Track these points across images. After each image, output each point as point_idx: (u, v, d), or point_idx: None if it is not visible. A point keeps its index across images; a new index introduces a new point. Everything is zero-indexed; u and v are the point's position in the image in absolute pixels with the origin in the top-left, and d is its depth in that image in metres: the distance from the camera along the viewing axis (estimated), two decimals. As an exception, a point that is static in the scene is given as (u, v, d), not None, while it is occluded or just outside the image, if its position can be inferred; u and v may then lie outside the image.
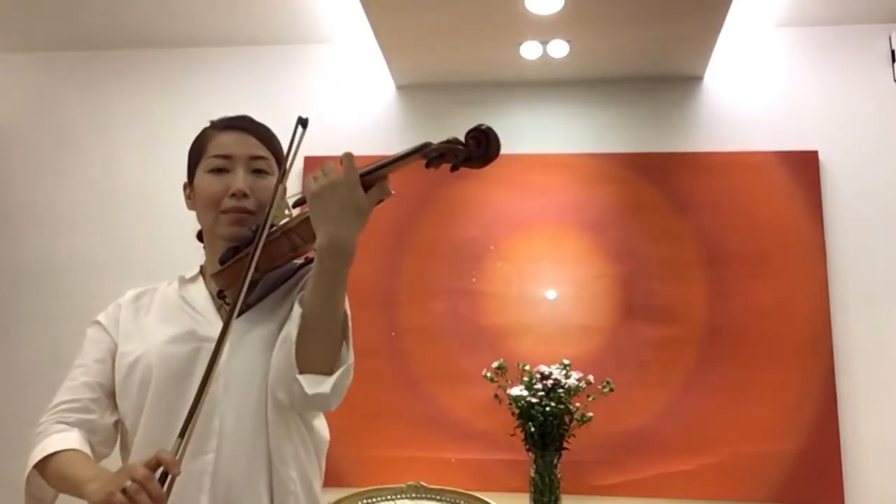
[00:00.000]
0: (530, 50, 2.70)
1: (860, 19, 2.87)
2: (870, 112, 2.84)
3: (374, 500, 2.29)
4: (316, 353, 1.11)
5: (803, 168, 2.78)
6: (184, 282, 1.35)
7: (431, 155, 1.11)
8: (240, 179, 1.26)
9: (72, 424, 1.23)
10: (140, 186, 3.08)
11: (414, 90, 3.03)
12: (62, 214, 3.10)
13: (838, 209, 2.77)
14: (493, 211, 2.86)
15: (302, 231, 1.19)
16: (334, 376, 1.11)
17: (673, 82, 2.93)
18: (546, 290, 2.77)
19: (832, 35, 2.91)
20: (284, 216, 1.22)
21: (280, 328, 1.20)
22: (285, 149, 1.23)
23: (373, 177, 1.13)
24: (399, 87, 3.03)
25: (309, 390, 1.09)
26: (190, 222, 3.30)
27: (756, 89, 2.91)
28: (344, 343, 1.14)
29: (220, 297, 1.27)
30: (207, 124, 1.36)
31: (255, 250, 1.14)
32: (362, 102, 3.01)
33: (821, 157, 2.80)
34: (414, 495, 2.30)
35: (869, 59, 2.88)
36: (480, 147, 1.09)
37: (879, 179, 2.79)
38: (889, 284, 2.72)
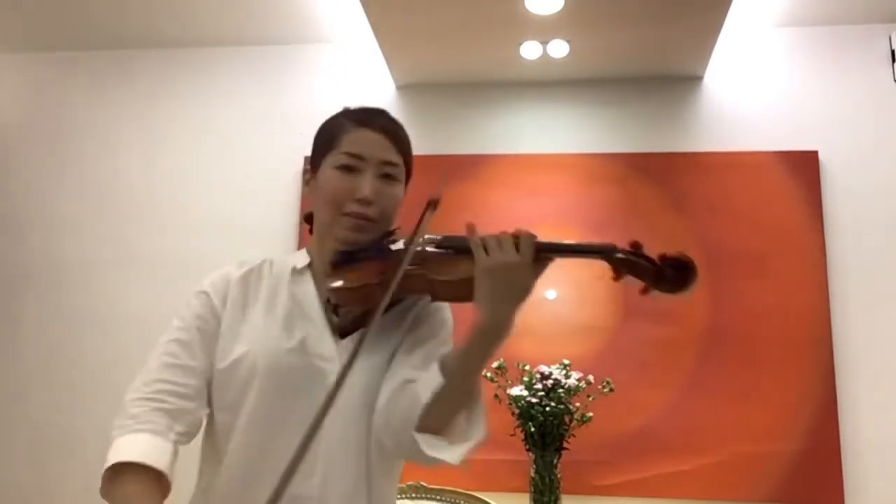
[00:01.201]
0: (530, 50, 2.70)
1: (860, 19, 2.87)
2: (870, 112, 2.84)
3: (374, 499, 2.28)
4: (438, 417, 1.08)
5: (803, 168, 2.78)
6: (295, 273, 1.25)
7: (621, 269, 1.06)
8: (367, 185, 1.20)
9: (170, 413, 1.13)
10: (141, 186, 3.08)
11: (414, 90, 3.03)
12: (63, 215, 3.10)
13: (838, 209, 2.77)
14: (493, 211, 2.86)
15: (442, 289, 1.14)
16: (462, 449, 1.10)
17: (673, 82, 2.93)
18: (546, 290, 2.77)
19: (832, 35, 2.91)
20: (417, 244, 1.17)
21: (389, 357, 1.18)
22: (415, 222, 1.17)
23: (543, 258, 1.10)
24: (399, 87, 3.03)
25: (429, 452, 1.06)
26: (190, 223, 3.30)
27: (756, 89, 2.91)
28: (466, 413, 1.11)
29: (333, 311, 1.21)
30: (341, 111, 1.30)
31: (390, 286, 1.06)
32: (362, 102, 3.00)
33: (821, 157, 2.80)
34: (414, 495, 2.30)
35: (869, 59, 2.88)
36: (678, 279, 1.06)
37: (879, 179, 2.79)
38: (889, 284, 2.72)
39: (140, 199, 3.07)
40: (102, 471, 1.09)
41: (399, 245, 1.24)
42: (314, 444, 1.07)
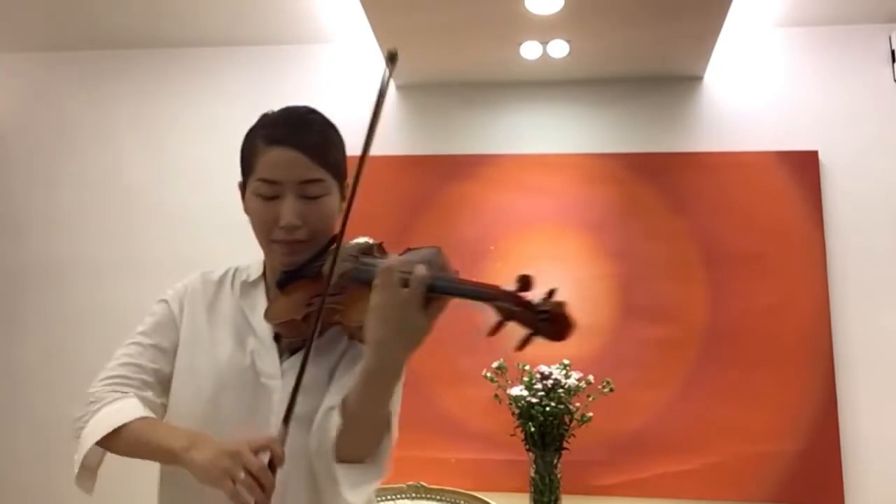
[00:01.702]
0: (530, 50, 2.70)
1: (860, 19, 2.87)
2: (870, 112, 2.84)
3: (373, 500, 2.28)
4: (353, 445, 1.06)
5: (803, 168, 2.78)
6: (246, 287, 1.26)
7: (505, 315, 0.97)
8: (289, 211, 1.15)
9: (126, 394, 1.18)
10: (141, 186, 3.08)
11: (414, 90, 3.03)
12: (63, 215, 3.10)
13: (838, 209, 2.77)
14: (493, 211, 2.86)
15: (351, 333, 1.12)
16: (367, 490, 1.07)
17: (673, 82, 2.93)
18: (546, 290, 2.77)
19: (832, 35, 2.91)
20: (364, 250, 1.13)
21: (329, 371, 1.17)
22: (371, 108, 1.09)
23: (439, 299, 0.99)
24: (399, 87, 3.03)
25: (344, 491, 1.05)
26: (190, 223, 3.30)
27: (756, 89, 2.91)
28: (382, 448, 1.09)
29: (275, 339, 1.22)
30: (258, 119, 1.26)
31: (314, 328, 1.06)
32: (362, 102, 2.99)
33: (821, 157, 2.80)
34: (414, 495, 2.30)
35: (869, 59, 2.88)
36: (554, 327, 1.00)
37: (879, 179, 2.79)
38: (889, 284, 2.72)
39: (140, 199, 3.07)
40: (80, 455, 1.16)
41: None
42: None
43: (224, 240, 2.90)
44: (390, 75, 1.13)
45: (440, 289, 0.98)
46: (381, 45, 2.74)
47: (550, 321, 0.98)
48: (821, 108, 2.87)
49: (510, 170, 2.89)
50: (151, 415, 1.17)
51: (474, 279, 1.00)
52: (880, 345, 2.68)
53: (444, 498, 2.30)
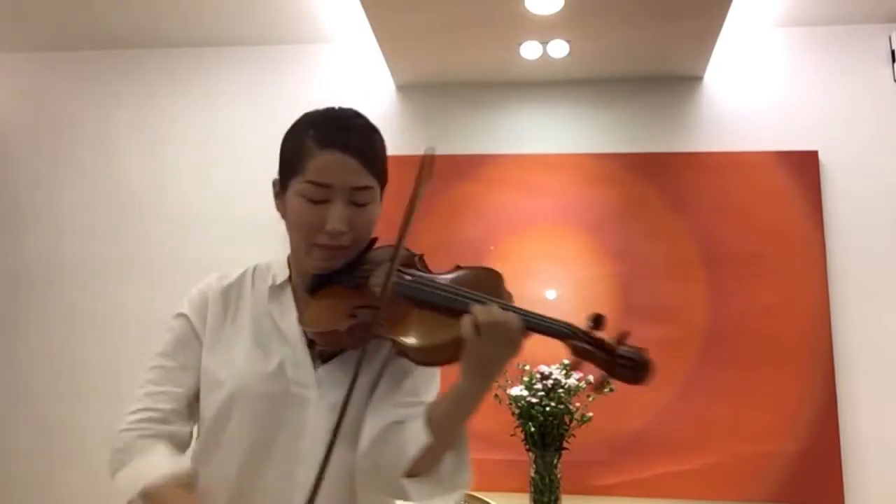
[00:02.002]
0: (530, 50, 2.70)
1: (860, 19, 2.87)
2: (870, 112, 2.84)
3: (374, 500, 2.28)
4: (425, 463, 1.06)
5: (803, 168, 2.78)
6: (274, 290, 1.22)
7: (583, 356, 1.04)
8: (337, 217, 1.12)
9: (154, 438, 1.13)
10: (141, 186, 3.08)
11: (414, 90, 3.03)
12: (62, 215, 3.10)
13: (838, 209, 2.77)
14: (493, 211, 2.86)
15: (416, 355, 1.07)
16: (452, 497, 1.08)
17: (673, 82, 2.93)
18: (546, 290, 2.77)
19: (832, 35, 2.91)
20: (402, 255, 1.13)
21: (371, 385, 1.15)
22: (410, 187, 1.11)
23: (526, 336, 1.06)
24: (399, 87, 3.03)
25: (417, 500, 1.06)
26: (190, 223, 3.30)
27: (756, 89, 2.91)
28: (464, 461, 1.10)
29: (309, 345, 1.19)
30: (302, 118, 1.21)
31: (362, 354, 1.05)
32: (362, 102, 2.98)
33: (821, 157, 2.80)
34: (414, 495, 2.30)
35: (869, 59, 2.88)
36: (633, 373, 1.05)
37: (879, 179, 2.79)
38: (889, 284, 2.72)
39: (140, 199, 3.07)
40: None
41: (373, 263, 1.17)
42: (293, 474, 1.10)
43: (225, 239, 2.92)
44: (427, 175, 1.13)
45: (530, 329, 1.06)
46: (381, 45, 2.74)
47: (631, 368, 1.04)
48: (821, 108, 2.87)
49: (510, 170, 2.89)
50: (179, 464, 1.10)
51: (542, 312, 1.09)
52: (880, 345, 2.68)
53: (444, 498, 2.30)
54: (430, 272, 1.18)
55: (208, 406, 1.17)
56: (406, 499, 1.05)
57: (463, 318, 1.01)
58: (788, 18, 2.88)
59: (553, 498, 2.37)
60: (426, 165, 1.12)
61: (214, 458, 1.16)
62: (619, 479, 2.62)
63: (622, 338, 1.04)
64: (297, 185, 1.14)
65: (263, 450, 1.13)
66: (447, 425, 1.06)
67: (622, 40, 2.66)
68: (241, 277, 1.25)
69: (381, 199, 1.21)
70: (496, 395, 2.45)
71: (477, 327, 1.00)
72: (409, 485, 1.05)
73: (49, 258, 3.07)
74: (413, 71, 2.93)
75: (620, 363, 1.02)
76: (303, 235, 1.15)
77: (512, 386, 2.42)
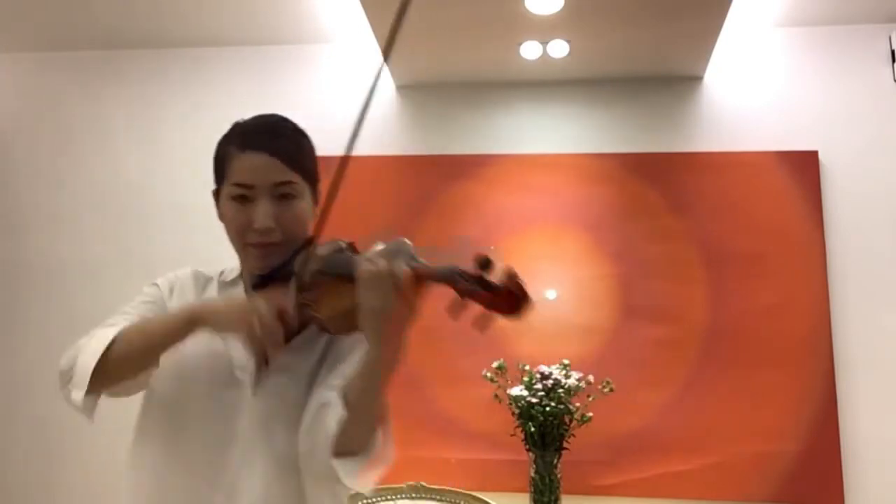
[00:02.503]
0: (530, 50, 2.70)
1: (860, 19, 2.87)
2: (870, 112, 2.84)
3: (373, 500, 2.29)
4: (350, 437, 1.07)
5: (803, 168, 2.78)
6: (224, 286, 1.29)
7: (463, 293, 1.02)
8: (262, 214, 1.17)
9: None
10: (140, 186, 3.08)
11: (414, 90, 3.03)
12: (62, 215, 3.10)
13: (838, 209, 2.77)
14: (494, 211, 2.86)
15: (335, 326, 1.12)
16: (369, 470, 1.10)
17: (673, 82, 2.93)
18: (546, 290, 2.77)
19: (832, 35, 2.91)
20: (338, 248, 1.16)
21: (312, 369, 1.19)
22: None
23: (420, 286, 1.06)
24: (399, 87, 3.03)
25: (345, 480, 1.07)
26: (188, 223, 3.31)
27: (756, 89, 2.91)
28: (381, 432, 1.10)
29: None
30: (232, 125, 1.27)
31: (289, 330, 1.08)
32: (362, 102, 3.01)
33: (821, 157, 2.80)
34: (414, 495, 2.30)
35: (869, 59, 2.88)
36: (511, 304, 1.02)
37: (879, 179, 2.79)
38: (889, 284, 2.72)
39: (140, 199, 3.07)
40: (77, 390, 1.16)
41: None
42: (227, 456, 1.14)
43: (224, 240, 2.91)
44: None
45: (417, 276, 1.04)
46: (381, 45, 2.74)
47: (506, 298, 1.01)
48: (821, 108, 2.87)
49: (510, 170, 2.89)
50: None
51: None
52: (880, 345, 2.68)
53: (444, 498, 2.30)
54: None
55: (161, 377, 1.21)
56: (337, 480, 1.07)
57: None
58: (788, 18, 2.88)
59: (553, 498, 2.38)
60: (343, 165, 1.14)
61: (153, 428, 1.20)
62: (619, 479, 2.62)
63: (510, 274, 1.02)
64: (225, 190, 1.21)
65: (200, 424, 1.17)
66: (358, 397, 1.07)
67: (622, 40, 2.66)
68: (211, 275, 1.33)
69: (313, 199, 1.25)
70: (496, 395, 2.45)
71: (361, 279, 1.03)
72: (337, 464, 1.07)
73: (49, 258, 3.07)
74: (413, 71, 2.93)
75: (497, 295, 1.01)
76: (236, 237, 1.21)
77: (512, 386, 2.42)
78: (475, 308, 1.00)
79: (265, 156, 1.19)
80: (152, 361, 1.16)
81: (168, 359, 1.18)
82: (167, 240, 3.00)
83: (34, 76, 3.24)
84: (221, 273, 1.33)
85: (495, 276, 1.01)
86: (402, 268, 1.02)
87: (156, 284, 1.32)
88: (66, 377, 1.18)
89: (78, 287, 3.02)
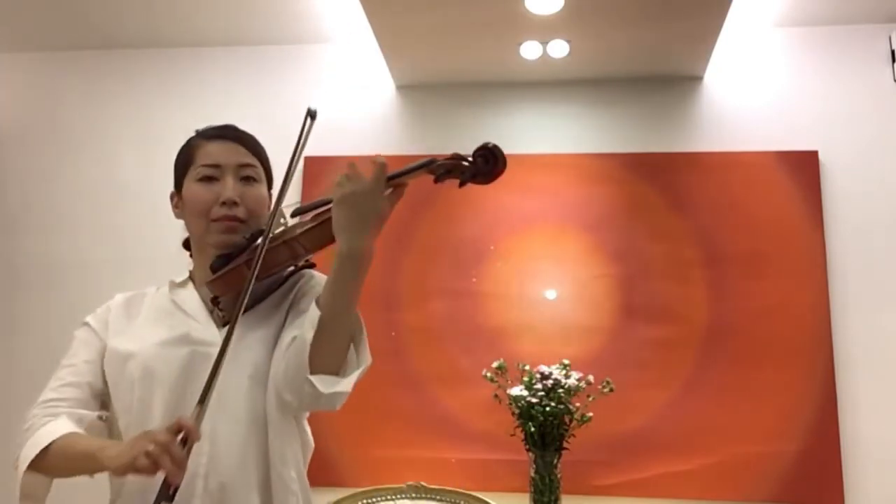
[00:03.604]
0: (530, 50, 2.70)
1: (860, 19, 2.87)
2: (870, 112, 2.84)
3: (374, 500, 2.29)
4: (328, 354, 1.12)
5: (803, 168, 2.78)
6: (174, 286, 1.35)
7: (439, 171, 1.16)
8: (229, 188, 1.27)
9: (64, 415, 1.23)
10: (139, 186, 3.08)
11: (414, 90, 3.03)
12: (61, 214, 3.10)
13: (838, 209, 2.77)
14: (493, 211, 2.86)
15: (305, 241, 1.20)
16: (353, 376, 1.14)
17: (673, 82, 2.93)
18: (546, 290, 2.77)
19: (832, 35, 2.91)
20: (280, 224, 1.23)
21: (276, 333, 1.22)
22: (294, 141, 1.23)
23: (397, 185, 1.17)
24: (399, 87, 3.03)
25: (324, 389, 1.10)
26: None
27: (756, 89, 2.91)
28: (353, 345, 1.16)
29: (213, 303, 1.28)
30: (193, 134, 1.36)
31: (257, 258, 1.15)
32: (362, 102, 3.01)
33: (821, 157, 2.80)
34: (414, 495, 2.30)
35: (869, 59, 2.88)
36: (488, 164, 1.16)
37: (879, 179, 2.79)
38: (889, 284, 2.72)
39: (140, 199, 3.06)
40: (19, 480, 1.19)
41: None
42: (204, 434, 1.13)
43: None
44: (307, 135, 1.25)
45: (395, 174, 1.15)
46: (381, 45, 2.74)
47: (484, 157, 1.18)
48: (821, 108, 2.86)
49: (510, 170, 2.87)
50: (79, 430, 1.20)
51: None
52: (880, 345, 2.68)
53: (444, 498, 2.30)
54: None
55: (120, 384, 1.24)
56: (317, 396, 1.10)
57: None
58: (788, 18, 2.88)
59: (553, 498, 2.38)
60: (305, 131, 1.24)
61: (140, 426, 1.20)
62: (619, 479, 2.62)
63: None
64: (191, 174, 1.30)
65: (176, 409, 1.18)
66: (334, 299, 1.12)
67: (622, 40, 2.66)
68: (142, 292, 1.38)
69: (267, 189, 1.35)
70: (496, 395, 2.45)
71: (338, 182, 1.12)
72: (316, 379, 1.10)
73: (48, 258, 3.07)
74: (413, 71, 2.93)
75: (475, 159, 1.18)
76: (201, 213, 1.28)
77: (512, 386, 2.42)
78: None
79: (229, 142, 1.31)
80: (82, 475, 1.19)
81: (132, 361, 1.23)
82: (167, 239, 2.99)
83: (33, 76, 3.24)
84: (157, 288, 1.38)
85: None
86: (385, 168, 1.13)
87: (87, 324, 1.35)
88: (14, 465, 1.22)
89: (76, 287, 3.01)
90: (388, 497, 2.29)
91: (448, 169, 1.16)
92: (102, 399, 1.28)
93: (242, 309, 1.11)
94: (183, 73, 3.15)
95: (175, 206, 1.35)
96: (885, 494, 2.57)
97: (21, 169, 3.17)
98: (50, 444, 1.17)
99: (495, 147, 1.16)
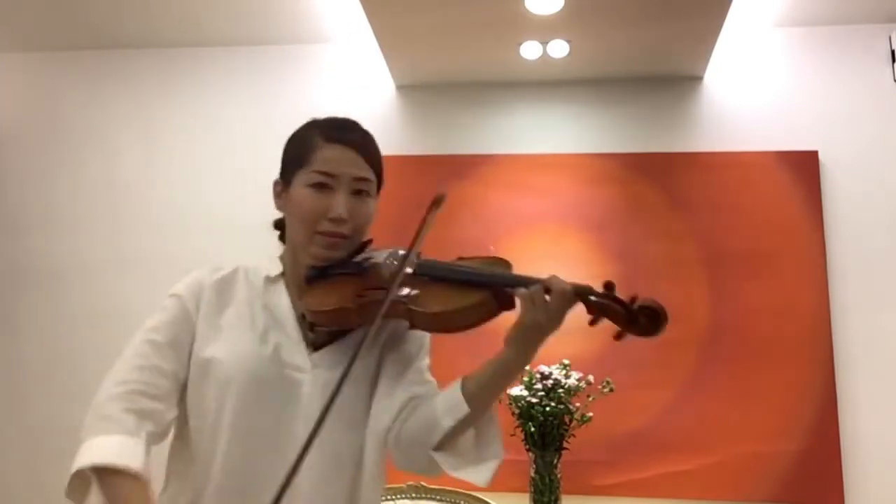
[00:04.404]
0: (530, 50, 2.70)
1: (860, 19, 2.87)
2: (870, 112, 2.84)
3: (374, 500, 2.28)
4: (453, 437, 1.14)
5: (803, 168, 2.78)
6: (268, 281, 1.26)
7: (596, 312, 1.15)
8: (341, 203, 1.20)
9: (139, 414, 1.12)
10: (140, 186, 3.08)
11: (414, 90, 3.03)
12: (62, 214, 3.10)
13: (838, 209, 2.77)
14: (494, 211, 2.86)
15: (422, 321, 1.15)
16: (490, 467, 1.19)
17: (673, 82, 2.93)
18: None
19: (832, 35, 2.91)
20: (406, 266, 1.18)
21: (370, 374, 1.21)
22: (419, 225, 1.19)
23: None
24: (399, 87, 3.03)
25: (454, 473, 1.14)
26: (189, 223, 3.30)
27: (756, 89, 2.91)
28: (496, 433, 1.18)
29: (310, 329, 1.22)
30: (307, 123, 1.28)
31: (377, 316, 1.08)
32: (362, 102, 3.01)
33: (821, 157, 2.80)
34: (414, 495, 2.30)
35: (869, 59, 2.88)
36: (651, 325, 1.10)
37: (879, 179, 2.79)
38: (889, 284, 2.72)
39: (139, 200, 3.07)
40: (71, 470, 1.13)
41: (373, 256, 1.24)
42: (286, 457, 1.08)
43: (224, 240, 2.91)
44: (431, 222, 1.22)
45: (582, 294, 1.16)
46: (381, 45, 2.74)
47: (649, 317, 1.10)
48: (821, 108, 2.86)
49: (510, 170, 2.89)
50: (145, 467, 1.10)
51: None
52: (880, 345, 2.68)
53: (444, 498, 2.30)
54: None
55: (203, 391, 1.17)
56: (437, 472, 1.12)
57: (518, 289, 1.13)
58: (788, 18, 2.88)
59: (553, 498, 2.37)
60: (436, 203, 1.22)
61: (208, 439, 1.16)
62: (619, 479, 2.62)
63: (633, 296, 1.13)
64: (303, 177, 1.22)
65: (259, 433, 1.15)
66: (484, 395, 1.13)
67: (622, 40, 2.66)
68: (234, 272, 1.27)
69: (376, 199, 1.28)
70: (496, 395, 2.45)
71: (534, 296, 1.12)
72: (441, 458, 1.12)
73: (48, 258, 3.07)
74: (413, 71, 2.93)
75: (641, 313, 1.11)
76: (307, 223, 1.21)
77: (512, 386, 2.42)
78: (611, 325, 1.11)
79: (350, 150, 1.23)
80: None
81: (211, 377, 1.16)
82: (167, 239, 3.00)
83: (33, 76, 3.24)
84: (245, 269, 1.28)
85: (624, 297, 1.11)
86: (570, 288, 1.14)
87: (177, 295, 1.23)
88: (89, 432, 1.16)
89: (77, 287, 3.01)
90: (388, 497, 2.29)
91: (604, 310, 1.15)
92: (181, 392, 1.20)
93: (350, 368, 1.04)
94: (183, 73, 3.15)
95: (278, 197, 1.27)
96: (886, 494, 2.57)
97: (21, 169, 3.17)
98: (114, 469, 1.09)
99: (661, 310, 1.09)
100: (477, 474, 1.15)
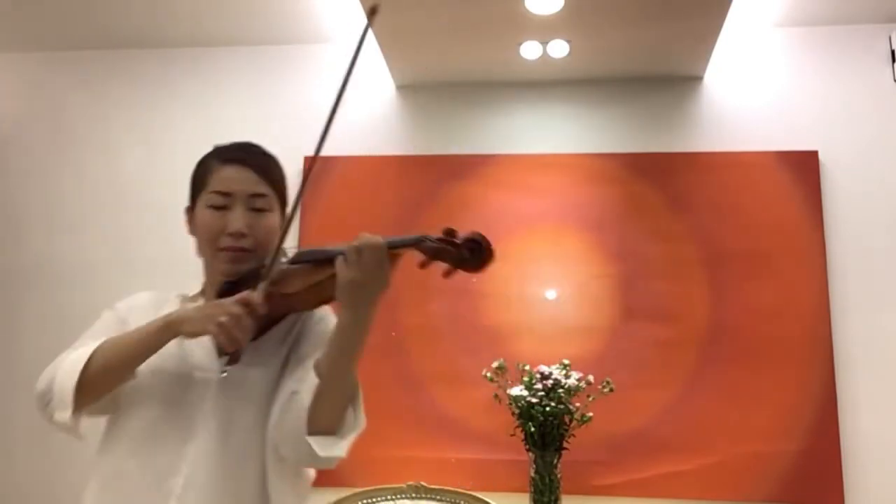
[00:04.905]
0: (530, 50, 2.70)
1: (860, 19, 2.87)
2: (870, 112, 2.84)
3: (374, 500, 2.29)
4: (325, 417, 1.14)
5: (803, 168, 2.78)
6: (185, 301, 1.34)
7: (428, 254, 1.15)
8: (238, 219, 1.26)
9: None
10: (141, 186, 3.08)
11: (414, 90, 3.03)
12: (63, 215, 3.10)
13: (838, 209, 2.77)
14: (494, 211, 2.86)
15: (304, 299, 1.20)
16: (348, 440, 1.16)
17: (673, 82, 2.93)
18: (546, 290, 2.77)
19: (832, 35, 2.91)
20: (282, 262, 1.22)
21: (276, 373, 1.24)
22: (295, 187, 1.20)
23: (394, 255, 1.17)
24: (399, 87, 3.03)
25: (321, 452, 1.12)
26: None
27: (756, 89, 2.91)
28: (351, 407, 1.17)
29: None
30: (210, 150, 1.37)
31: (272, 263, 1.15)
32: (362, 102, 3.01)
33: (821, 157, 2.80)
34: (414, 495, 2.30)
35: (869, 59, 2.88)
36: (474, 256, 1.16)
37: (879, 179, 2.79)
38: (889, 284, 2.72)
39: (140, 200, 3.07)
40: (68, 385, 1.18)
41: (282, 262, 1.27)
42: (180, 453, 1.18)
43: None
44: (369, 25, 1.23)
45: (394, 245, 1.16)
46: (381, 45, 2.74)
47: (473, 250, 1.16)
48: (821, 108, 2.86)
49: (510, 170, 2.89)
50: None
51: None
52: (880, 345, 2.68)
53: (444, 498, 2.30)
54: None
55: (128, 387, 1.24)
56: (313, 457, 1.12)
57: (337, 258, 1.12)
58: (788, 18, 2.88)
59: (553, 498, 2.38)
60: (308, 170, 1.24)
61: (121, 432, 1.24)
62: (619, 479, 2.62)
63: (451, 229, 1.16)
64: (203, 198, 1.30)
65: (163, 425, 1.21)
66: (333, 365, 1.13)
67: (622, 40, 2.66)
68: (167, 295, 1.37)
69: (281, 217, 1.33)
70: (496, 395, 2.45)
71: (347, 254, 1.11)
72: (313, 441, 1.12)
73: (48, 258, 3.07)
74: (413, 71, 2.93)
75: (462, 248, 1.16)
76: (209, 241, 1.28)
77: (512, 386, 2.42)
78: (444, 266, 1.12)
79: (246, 169, 1.30)
80: (129, 373, 1.20)
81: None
82: (167, 239, 2.99)
83: (33, 76, 3.24)
84: (179, 294, 1.38)
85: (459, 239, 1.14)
86: (380, 240, 1.12)
87: (114, 309, 1.36)
88: (45, 399, 1.22)
89: (77, 287, 3.01)
90: (388, 497, 2.29)
91: (435, 252, 1.15)
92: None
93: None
94: (183, 73, 3.16)
95: (188, 222, 1.35)
96: (886, 494, 2.57)
97: (22, 169, 3.17)
98: (94, 351, 1.18)
99: (483, 238, 1.17)
100: (339, 447, 1.14)
